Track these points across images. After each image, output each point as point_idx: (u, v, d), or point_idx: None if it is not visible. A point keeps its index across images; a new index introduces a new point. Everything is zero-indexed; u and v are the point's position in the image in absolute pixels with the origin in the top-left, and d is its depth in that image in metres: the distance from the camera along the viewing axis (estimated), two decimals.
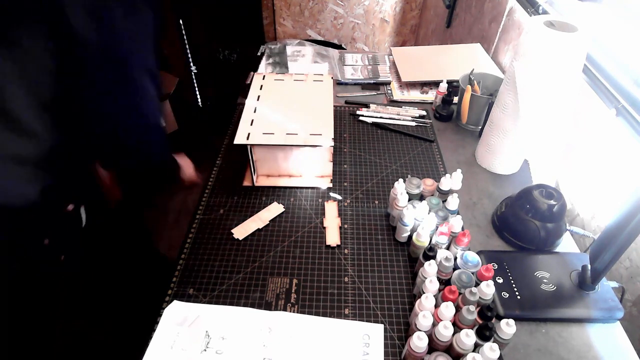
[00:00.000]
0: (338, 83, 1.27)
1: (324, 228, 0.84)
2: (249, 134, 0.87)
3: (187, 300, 0.72)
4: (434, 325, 0.60)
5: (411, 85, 1.26)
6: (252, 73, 1.15)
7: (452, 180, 0.85)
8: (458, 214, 0.84)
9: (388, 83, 1.27)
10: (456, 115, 1.12)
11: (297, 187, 0.93)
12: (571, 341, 0.68)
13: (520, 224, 0.79)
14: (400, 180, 0.82)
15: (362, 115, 1.13)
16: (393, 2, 2.41)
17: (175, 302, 0.71)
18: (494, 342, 0.58)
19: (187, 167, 0.98)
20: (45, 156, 0.68)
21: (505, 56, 1.30)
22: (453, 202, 0.80)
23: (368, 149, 1.04)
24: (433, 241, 0.74)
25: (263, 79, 1.04)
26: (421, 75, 1.24)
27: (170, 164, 0.93)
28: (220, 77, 2.32)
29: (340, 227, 0.85)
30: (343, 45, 2.60)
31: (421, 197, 0.87)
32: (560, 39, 0.75)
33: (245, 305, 0.71)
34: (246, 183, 0.94)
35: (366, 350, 0.65)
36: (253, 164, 0.91)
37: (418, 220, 0.78)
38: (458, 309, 0.63)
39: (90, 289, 1.10)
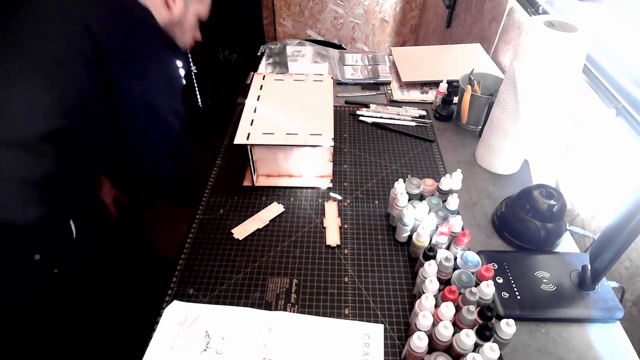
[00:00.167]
0: (338, 83, 1.27)
1: (324, 228, 0.84)
2: (249, 134, 0.87)
3: (187, 300, 0.72)
4: (434, 325, 0.60)
5: (411, 85, 1.26)
6: (252, 73, 1.15)
7: (452, 180, 0.85)
8: (458, 214, 0.84)
9: (388, 83, 1.27)
10: (456, 115, 1.12)
11: (297, 187, 0.93)
12: (571, 341, 0.68)
13: (520, 224, 0.79)
14: (400, 180, 0.82)
15: (362, 115, 1.13)
16: (393, 2, 2.41)
17: (175, 302, 0.71)
18: (494, 342, 0.58)
19: None
20: (51, 179, 0.70)
21: (505, 56, 1.30)
22: (453, 202, 0.80)
23: (368, 149, 1.04)
24: (433, 241, 0.74)
25: (263, 79, 1.04)
26: (421, 75, 1.24)
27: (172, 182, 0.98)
28: (220, 77, 2.32)
29: (340, 227, 0.85)
30: (343, 45, 2.60)
31: (421, 197, 0.87)
32: (560, 39, 0.75)
33: (245, 305, 0.71)
34: (246, 183, 0.94)
35: (366, 350, 0.65)
36: (253, 164, 0.91)
37: (418, 220, 0.78)
38: (458, 309, 0.63)
39: (90, 289, 1.10)
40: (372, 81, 1.27)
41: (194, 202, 0.92)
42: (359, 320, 0.69)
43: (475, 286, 0.65)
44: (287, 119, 0.91)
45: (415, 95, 1.22)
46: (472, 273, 0.68)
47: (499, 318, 0.63)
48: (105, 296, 1.14)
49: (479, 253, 0.76)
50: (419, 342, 0.57)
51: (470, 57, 1.31)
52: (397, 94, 1.22)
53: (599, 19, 0.92)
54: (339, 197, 0.91)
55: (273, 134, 0.87)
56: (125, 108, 0.77)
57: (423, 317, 0.59)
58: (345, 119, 1.14)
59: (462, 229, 0.78)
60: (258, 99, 0.97)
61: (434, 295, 0.63)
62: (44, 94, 0.67)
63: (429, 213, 0.77)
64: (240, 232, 0.83)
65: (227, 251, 0.80)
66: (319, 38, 2.59)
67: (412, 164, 1.00)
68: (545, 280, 0.73)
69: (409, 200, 0.80)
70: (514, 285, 0.72)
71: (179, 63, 0.83)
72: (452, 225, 0.75)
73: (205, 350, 0.64)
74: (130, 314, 1.07)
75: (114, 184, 1.13)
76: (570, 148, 0.94)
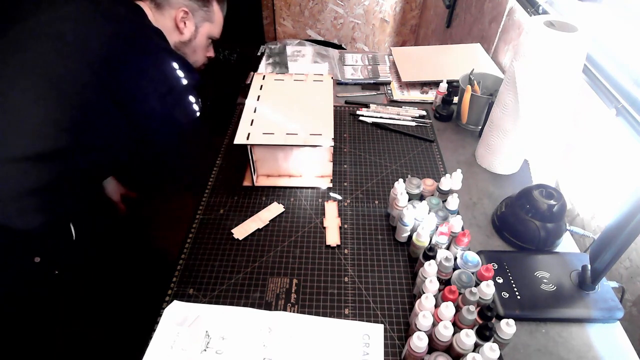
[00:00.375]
0: (338, 83, 1.27)
1: (324, 228, 0.84)
2: (249, 134, 0.87)
3: (187, 300, 0.72)
4: (434, 325, 0.60)
5: (411, 85, 1.26)
6: (252, 73, 1.15)
7: (452, 180, 0.85)
8: (458, 214, 0.84)
9: (388, 83, 1.27)
10: (456, 115, 1.12)
11: (297, 187, 0.93)
12: (571, 341, 0.68)
13: (520, 224, 0.79)
14: (400, 180, 0.82)
15: (362, 115, 1.13)
16: (393, 2, 2.41)
17: (175, 302, 0.71)
18: (494, 342, 0.58)
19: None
20: (54, 187, 0.70)
21: (505, 56, 1.30)
22: (453, 202, 0.80)
23: (368, 149, 1.04)
24: (433, 241, 0.74)
25: (263, 79, 1.04)
26: (421, 75, 1.24)
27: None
28: (220, 77, 2.32)
29: (340, 227, 0.85)
30: (343, 45, 2.60)
31: (421, 197, 0.87)
32: (560, 39, 0.75)
33: (245, 305, 0.71)
34: (246, 183, 0.94)
35: (366, 350, 0.65)
36: (253, 164, 0.91)
37: (418, 220, 0.78)
38: (458, 309, 0.63)
39: (90, 289, 1.10)
40: (372, 81, 1.27)
41: (201, 183, 0.94)
42: (359, 320, 0.69)
43: (475, 286, 0.65)
44: (287, 119, 0.91)
45: (415, 95, 1.22)
46: (472, 273, 0.68)
47: (499, 318, 0.63)
48: (105, 296, 1.14)
49: (479, 253, 0.76)
50: (419, 342, 0.57)
51: (470, 57, 1.31)
52: (397, 94, 1.22)
53: (599, 19, 0.92)
54: (339, 197, 0.91)
55: (273, 134, 0.87)
56: (136, 115, 0.81)
57: (423, 317, 0.59)
58: (345, 119, 1.14)
59: (462, 229, 0.78)
60: (258, 99, 0.97)
61: (434, 295, 0.63)
62: (55, 110, 0.70)
63: (429, 213, 0.77)
64: (240, 232, 0.83)
65: (227, 251, 0.80)
66: (319, 38, 2.59)
67: (412, 164, 1.00)
68: (545, 280, 0.72)
69: (409, 200, 0.80)
70: (514, 285, 0.72)
71: (181, 72, 0.84)
72: (452, 225, 0.75)
73: (205, 350, 0.64)
74: (130, 314, 1.07)
75: (122, 182, 1.15)
76: (570, 148, 0.94)
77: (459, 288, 0.65)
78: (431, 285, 0.64)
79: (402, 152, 1.03)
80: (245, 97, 0.98)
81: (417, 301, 0.63)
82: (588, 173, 0.88)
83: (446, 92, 1.10)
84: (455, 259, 0.71)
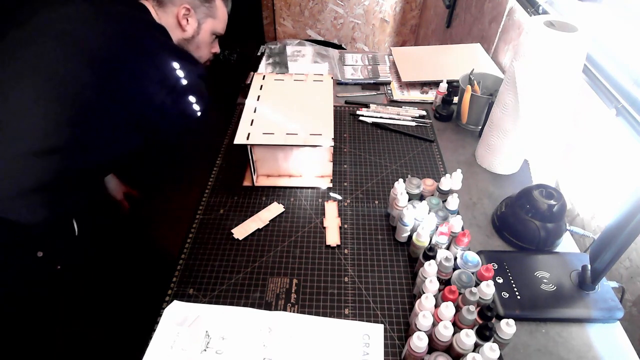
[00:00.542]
0: (338, 83, 1.27)
1: (324, 228, 0.84)
2: (249, 134, 0.87)
3: (187, 300, 0.72)
4: (434, 325, 0.60)
5: (411, 85, 1.26)
6: (252, 73, 1.15)
7: (452, 180, 0.85)
8: (458, 214, 0.84)
9: (388, 83, 1.27)
10: (456, 115, 1.12)
11: (297, 187, 0.93)
12: (571, 341, 0.68)
13: (520, 224, 0.79)
14: (400, 180, 0.82)
15: (362, 115, 1.13)
16: (393, 2, 2.41)
17: (175, 302, 0.71)
18: (494, 342, 0.58)
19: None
20: (57, 184, 0.71)
21: (505, 56, 1.30)
22: (453, 202, 0.80)
23: (368, 149, 1.04)
24: (433, 241, 0.74)
25: (263, 79, 1.04)
26: (421, 75, 1.24)
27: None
28: (220, 77, 2.32)
29: (340, 227, 0.85)
30: (343, 45, 2.60)
31: (421, 197, 0.87)
32: (560, 39, 0.75)
33: (245, 305, 0.71)
34: (246, 183, 0.94)
35: (366, 350, 0.65)
36: (253, 164, 0.91)
37: (418, 220, 0.78)
38: (458, 309, 0.63)
39: (91, 289, 1.11)
40: (372, 81, 1.27)
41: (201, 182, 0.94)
42: (359, 320, 0.69)
43: (475, 286, 0.65)
44: (287, 119, 0.91)
45: (415, 95, 1.22)
46: (472, 273, 0.68)
47: (499, 318, 0.63)
48: (106, 296, 1.14)
49: (479, 253, 0.76)
50: (419, 342, 0.57)
51: (470, 57, 1.31)
52: (397, 94, 1.22)
53: (599, 19, 0.92)
54: (339, 197, 0.91)
55: (273, 134, 0.87)
56: (136, 115, 0.80)
57: (423, 317, 0.59)
58: (345, 119, 1.14)
59: (462, 229, 0.78)
60: (258, 99, 0.97)
61: (434, 295, 0.63)
62: (55, 110, 0.70)
63: (429, 213, 0.77)
64: (240, 232, 0.83)
65: (227, 251, 0.80)
66: (319, 38, 2.59)
67: (412, 164, 1.00)
68: (545, 280, 0.72)
69: (409, 200, 0.80)
70: (514, 285, 0.72)
71: (181, 72, 0.84)
72: (452, 225, 0.75)
73: (205, 350, 0.64)
74: (130, 313, 1.08)
75: (123, 180, 1.16)
76: (570, 148, 0.94)
77: (459, 288, 0.65)
78: (431, 285, 0.64)
79: (402, 152, 1.03)
80: (245, 97, 0.98)
81: (417, 301, 0.63)
82: (588, 173, 0.88)
83: (446, 92, 1.10)
84: (455, 259, 0.71)
